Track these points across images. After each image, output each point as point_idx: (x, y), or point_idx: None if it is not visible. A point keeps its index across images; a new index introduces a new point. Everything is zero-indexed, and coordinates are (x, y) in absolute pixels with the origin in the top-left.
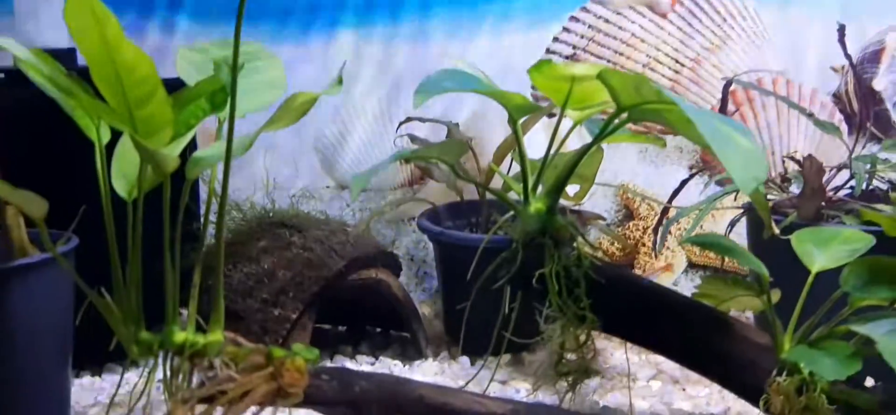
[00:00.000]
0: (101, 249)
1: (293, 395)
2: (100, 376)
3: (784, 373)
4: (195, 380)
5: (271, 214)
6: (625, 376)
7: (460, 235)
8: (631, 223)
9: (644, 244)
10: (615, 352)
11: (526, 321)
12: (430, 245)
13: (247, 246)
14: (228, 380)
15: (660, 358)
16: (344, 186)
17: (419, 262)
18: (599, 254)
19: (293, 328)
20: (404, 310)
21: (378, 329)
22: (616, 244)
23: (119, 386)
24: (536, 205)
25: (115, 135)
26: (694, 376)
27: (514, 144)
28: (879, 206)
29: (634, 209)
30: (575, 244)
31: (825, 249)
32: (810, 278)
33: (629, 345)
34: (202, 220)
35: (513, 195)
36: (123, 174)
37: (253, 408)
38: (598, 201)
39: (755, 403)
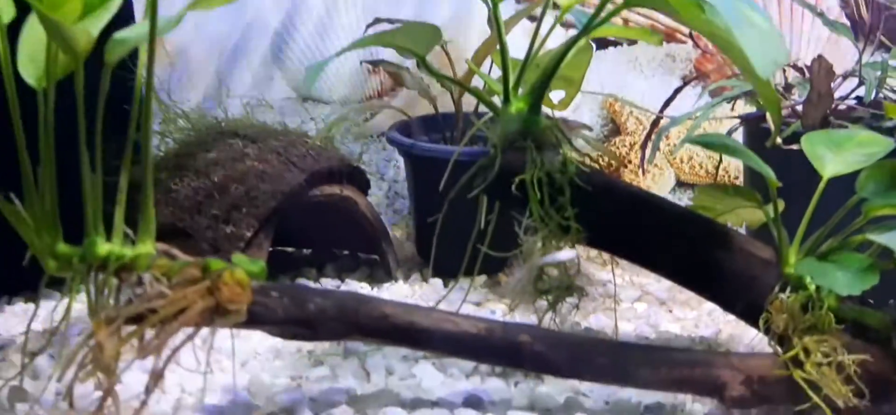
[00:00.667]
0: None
1: (234, 312)
2: (34, 302)
3: (788, 289)
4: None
5: (223, 124)
6: (608, 297)
7: (433, 146)
8: (617, 139)
9: (630, 161)
10: (598, 273)
11: (504, 239)
12: (402, 163)
13: (195, 158)
14: (159, 296)
15: (645, 279)
16: (307, 97)
17: (390, 181)
18: (587, 161)
19: (248, 248)
20: (372, 229)
21: (345, 251)
22: (601, 158)
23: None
24: (517, 104)
25: (23, 11)
26: (681, 297)
27: (494, 44)
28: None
29: (621, 123)
30: (560, 149)
31: (839, 153)
32: (822, 184)
33: (613, 266)
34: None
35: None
36: (32, 58)
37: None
38: (584, 115)
39: (755, 323)
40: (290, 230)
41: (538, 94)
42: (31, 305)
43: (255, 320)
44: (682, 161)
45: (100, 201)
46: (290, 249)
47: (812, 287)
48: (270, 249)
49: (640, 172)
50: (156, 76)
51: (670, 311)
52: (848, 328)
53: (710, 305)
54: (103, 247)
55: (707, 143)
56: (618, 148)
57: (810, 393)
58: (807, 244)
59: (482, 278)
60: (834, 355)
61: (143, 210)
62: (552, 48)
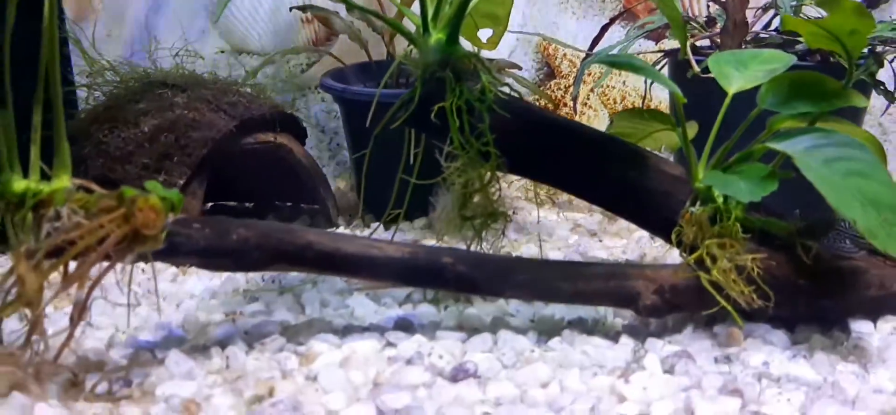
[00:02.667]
0: None
1: (151, 238)
2: None
3: (698, 203)
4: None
5: (151, 75)
6: (543, 232)
7: (364, 89)
8: (552, 82)
9: (565, 104)
10: (534, 211)
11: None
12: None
13: (124, 109)
14: (77, 227)
15: (579, 215)
16: (241, 50)
17: (331, 133)
18: (506, 90)
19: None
20: (309, 176)
21: (287, 203)
22: (536, 99)
23: None
24: (436, 35)
25: None
26: (611, 229)
27: None
28: None
29: (556, 66)
30: (479, 78)
31: (744, 71)
32: (727, 100)
33: (549, 204)
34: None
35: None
36: None
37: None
38: (519, 58)
39: (669, 238)
40: (229, 183)
41: (455, 25)
42: None
43: (176, 249)
44: (615, 101)
45: (14, 139)
46: (231, 203)
47: (719, 199)
48: (210, 203)
49: (574, 110)
50: (83, 32)
51: (600, 240)
52: (755, 237)
53: (638, 234)
54: (19, 183)
55: (613, 62)
56: (553, 91)
57: (717, 295)
58: (714, 159)
59: (421, 220)
60: (739, 260)
61: (57, 146)
62: None
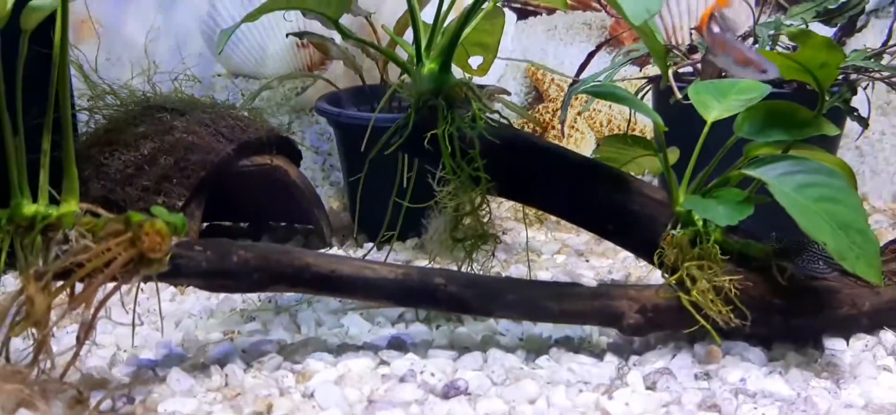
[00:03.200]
0: None
1: (156, 261)
2: None
3: (679, 226)
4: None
5: (151, 99)
6: (531, 252)
7: (359, 114)
8: (540, 106)
9: (553, 127)
10: (523, 231)
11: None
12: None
13: (124, 133)
14: (85, 251)
15: (566, 235)
16: (237, 73)
17: (325, 154)
18: (496, 116)
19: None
20: (304, 197)
21: (282, 223)
22: (525, 123)
23: None
24: (429, 65)
25: None
26: (598, 249)
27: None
28: None
29: (544, 91)
30: (470, 106)
31: (722, 100)
32: (706, 128)
33: (538, 225)
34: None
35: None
36: None
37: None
38: (509, 83)
39: (652, 259)
40: (225, 203)
41: (447, 55)
42: None
43: (179, 271)
44: (601, 124)
45: (24, 165)
46: (227, 223)
47: (700, 222)
48: (207, 223)
49: (561, 133)
50: (83, 55)
51: (587, 260)
52: (733, 259)
53: (623, 255)
54: (29, 207)
55: (597, 92)
56: (541, 114)
57: (696, 315)
58: (693, 184)
59: (413, 241)
60: (717, 282)
61: (67, 171)
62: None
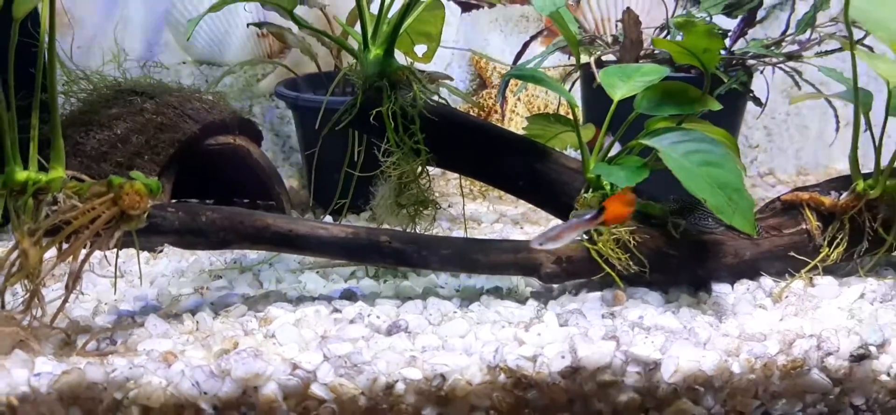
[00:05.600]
0: None
1: (135, 218)
2: None
3: (590, 189)
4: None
5: (122, 83)
6: (473, 221)
7: (314, 96)
8: (484, 92)
9: (496, 111)
10: (469, 204)
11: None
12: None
13: (98, 114)
14: (72, 210)
15: (505, 207)
16: (201, 60)
17: (284, 137)
18: (435, 98)
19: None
20: (265, 174)
21: (245, 200)
22: (469, 107)
23: None
24: (375, 51)
25: None
26: (532, 217)
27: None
28: None
29: (487, 78)
30: (412, 87)
31: (627, 81)
32: (613, 106)
33: (481, 199)
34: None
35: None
36: None
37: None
38: (454, 71)
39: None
40: (192, 180)
41: (391, 42)
42: None
43: (155, 229)
44: (538, 109)
45: (15, 136)
46: (193, 199)
47: (607, 186)
48: (175, 199)
49: (502, 116)
50: (59, 44)
51: (521, 228)
52: (636, 217)
53: (554, 222)
54: (21, 174)
55: (522, 75)
56: (484, 99)
57: (601, 263)
58: (602, 153)
59: (367, 214)
60: (619, 234)
61: (53, 141)
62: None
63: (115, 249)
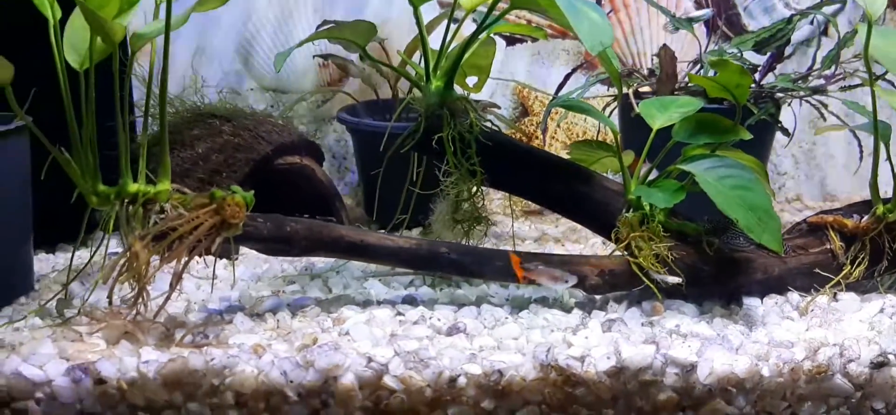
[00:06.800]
0: (56, 121)
1: (234, 226)
2: (53, 253)
3: (630, 210)
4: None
5: (202, 107)
6: (517, 239)
7: (375, 122)
8: (526, 119)
9: (537, 138)
10: (508, 221)
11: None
12: (350, 142)
13: (181, 135)
14: (178, 218)
15: (547, 227)
16: (266, 87)
17: (340, 158)
18: (489, 124)
19: None
20: (327, 191)
21: (306, 215)
22: (513, 133)
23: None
24: (436, 83)
25: (66, 11)
26: (573, 237)
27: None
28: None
29: (529, 106)
30: (469, 115)
31: (664, 112)
32: (652, 135)
33: (524, 218)
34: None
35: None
36: (74, 47)
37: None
38: (498, 99)
39: (610, 237)
40: (261, 196)
41: (451, 75)
42: (51, 255)
43: (247, 237)
44: (577, 136)
45: (128, 153)
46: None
47: (646, 207)
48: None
49: (543, 142)
50: (140, 67)
51: (563, 246)
52: (673, 235)
53: (593, 241)
54: (133, 186)
55: (567, 104)
56: (526, 127)
57: (642, 276)
58: (641, 177)
59: (418, 230)
60: (658, 250)
61: (162, 158)
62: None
63: (213, 256)
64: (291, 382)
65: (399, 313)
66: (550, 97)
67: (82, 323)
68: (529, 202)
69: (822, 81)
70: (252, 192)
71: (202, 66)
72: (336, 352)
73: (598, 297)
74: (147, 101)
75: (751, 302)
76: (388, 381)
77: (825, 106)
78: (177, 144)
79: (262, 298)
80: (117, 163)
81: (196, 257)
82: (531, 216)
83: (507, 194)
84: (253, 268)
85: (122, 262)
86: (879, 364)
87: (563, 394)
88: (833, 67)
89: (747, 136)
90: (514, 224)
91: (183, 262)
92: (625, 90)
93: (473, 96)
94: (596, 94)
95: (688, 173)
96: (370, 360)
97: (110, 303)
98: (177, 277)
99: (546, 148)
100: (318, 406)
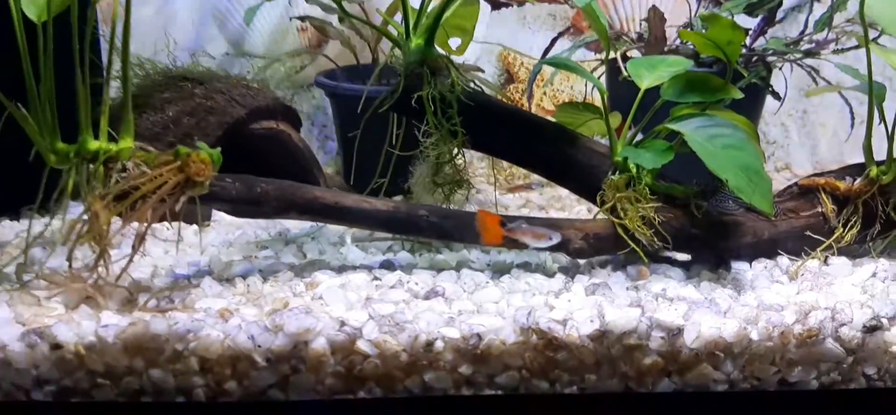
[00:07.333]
0: (13, 74)
1: (200, 185)
2: (17, 220)
3: (617, 172)
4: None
5: (172, 71)
6: (500, 206)
7: (354, 86)
8: (511, 86)
9: (523, 105)
10: (486, 187)
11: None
12: (330, 110)
13: (151, 98)
14: (141, 177)
15: (530, 194)
16: (244, 53)
17: (320, 126)
18: (472, 85)
19: None
20: (304, 158)
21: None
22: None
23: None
24: (416, 40)
25: None
26: (557, 204)
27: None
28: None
29: (514, 72)
30: (449, 74)
31: (653, 71)
32: (640, 94)
33: (502, 185)
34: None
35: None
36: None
37: None
38: (483, 65)
39: (595, 200)
40: (235, 162)
41: (431, 32)
42: (15, 222)
43: (214, 197)
44: (563, 102)
45: (89, 109)
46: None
47: (633, 168)
48: None
49: (529, 108)
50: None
51: (547, 213)
52: (660, 199)
53: (578, 208)
54: (93, 143)
55: (553, 62)
56: (512, 94)
57: (626, 239)
58: (629, 137)
59: (398, 198)
60: (645, 212)
61: (124, 115)
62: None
63: (177, 219)
64: (259, 346)
65: (376, 278)
66: (533, 58)
67: (41, 287)
68: (515, 179)
69: (813, 45)
70: (219, 149)
71: (175, 30)
72: (307, 316)
73: (582, 262)
74: (109, 56)
75: (740, 266)
76: (361, 345)
77: (817, 71)
78: (147, 107)
79: (233, 263)
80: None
81: (166, 222)
82: (517, 192)
83: (491, 163)
84: (225, 234)
85: (80, 223)
86: (872, 328)
87: (544, 358)
88: (826, 31)
89: (738, 94)
90: (499, 198)
91: (146, 222)
92: (613, 54)
93: (457, 60)
94: (583, 58)
95: (676, 134)
96: (343, 324)
97: (70, 266)
98: (140, 238)
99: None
100: (288, 372)
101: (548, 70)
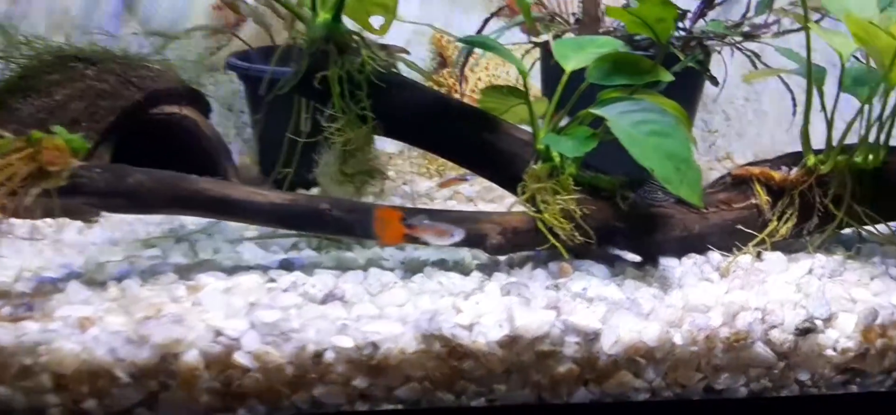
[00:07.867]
0: None
1: (55, 175)
2: None
3: (539, 161)
4: None
5: (65, 50)
6: (426, 197)
7: (265, 67)
8: (445, 71)
9: (456, 91)
10: (417, 179)
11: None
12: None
13: (38, 79)
14: None
15: (460, 185)
16: (154, 33)
17: (237, 112)
18: (392, 69)
19: (89, 159)
20: (213, 147)
21: (191, 174)
22: (430, 84)
23: None
24: (323, 15)
25: None
26: (488, 196)
27: None
28: None
29: (447, 57)
30: (360, 53)
31: (579, 52)
32: (564, 77)
33: (438, 177)
34: None
35: None
36: None
37: None
38: (415, 49)
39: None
40: (136, 150)
41: (339, 6)
42: None
43: (79, 189)
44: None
45: None
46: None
47: (557, 157)
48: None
49: (460, 92)
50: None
51: (476, 206)
52: (585, 190)
53: (508, 200)
54: None
55: (473, 42)
56: (445, 79)
57: (546, 233)
58: (552, 124)
59: (316, 190)
60: (565, 205)
61: None
62: None
63: (28, 214)
64: (121, 360)
65: (270, 279)
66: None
67: None
68: (447, 171)
69: (752, 29)
70: (80, 135)
71: (77, 6)
72: (177, 325)
73: (502, 258)
74: None
75: (668, 262)
76: (239, 358)
77: (758, 56)
78: (32, 91)
79: (111, 263)
80: None
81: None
82: (446, 176)
83: (425, 153)
84: (111, 232)
85: None
86: (805, 331)
87: (448, 367)
88: (766, 15)
89: (668, 77)
90: (426, 182)
91: None
92: (546, 36)
93: (381, 41)
94: (516, 41)
95: (602, 119)
96: (219, 334)
97: None
98: None
99: (465, 100)
100: (156, 389)
101: (479, 53)
